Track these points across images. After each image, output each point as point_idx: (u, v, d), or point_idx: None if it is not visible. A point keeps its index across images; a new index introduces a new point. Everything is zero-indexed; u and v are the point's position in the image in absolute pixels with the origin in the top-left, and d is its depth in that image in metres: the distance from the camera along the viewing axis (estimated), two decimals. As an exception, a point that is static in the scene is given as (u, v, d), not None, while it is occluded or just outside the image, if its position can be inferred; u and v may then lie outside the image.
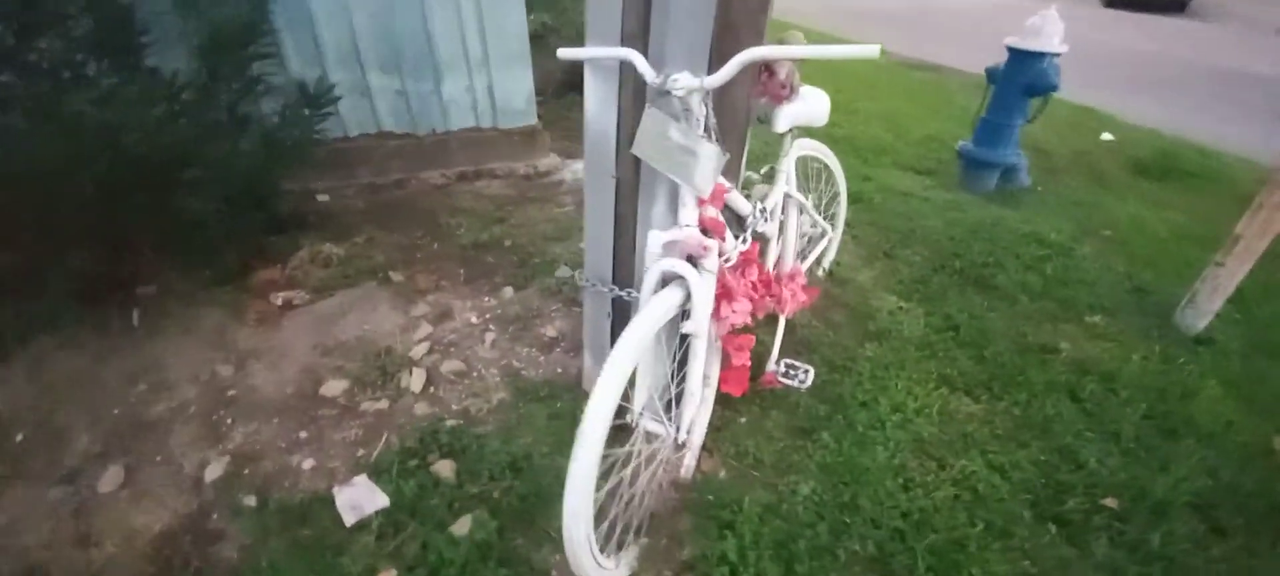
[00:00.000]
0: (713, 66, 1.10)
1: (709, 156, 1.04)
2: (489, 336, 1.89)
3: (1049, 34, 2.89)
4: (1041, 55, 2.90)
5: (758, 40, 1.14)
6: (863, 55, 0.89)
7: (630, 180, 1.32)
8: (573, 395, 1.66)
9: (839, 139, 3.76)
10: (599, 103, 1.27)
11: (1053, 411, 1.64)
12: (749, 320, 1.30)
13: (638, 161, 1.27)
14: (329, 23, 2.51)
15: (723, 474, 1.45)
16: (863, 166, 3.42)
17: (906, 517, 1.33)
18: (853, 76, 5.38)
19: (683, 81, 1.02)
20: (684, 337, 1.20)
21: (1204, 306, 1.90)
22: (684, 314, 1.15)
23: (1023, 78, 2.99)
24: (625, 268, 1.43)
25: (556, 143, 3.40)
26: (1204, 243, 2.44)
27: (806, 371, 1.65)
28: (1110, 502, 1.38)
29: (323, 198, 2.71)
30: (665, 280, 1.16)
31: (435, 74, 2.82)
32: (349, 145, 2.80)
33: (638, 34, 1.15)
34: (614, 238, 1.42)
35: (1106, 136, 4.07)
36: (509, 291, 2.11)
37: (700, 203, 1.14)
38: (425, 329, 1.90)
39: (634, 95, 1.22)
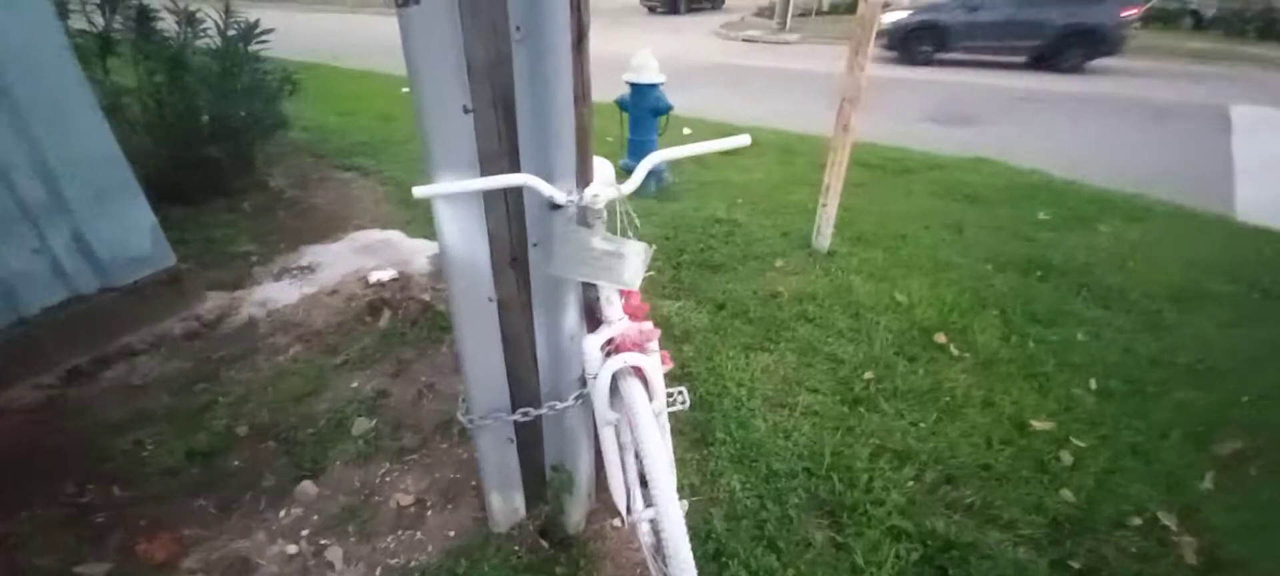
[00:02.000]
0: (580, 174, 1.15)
1: (637, 254, 1.10)
2: (334, 555, 1.44)
3: (651, 68, 3.72)
4: (653, 85, 3.73)
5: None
6: (736, 145, 1.13)
7: (516, 298, 1.24)
8: (493, 543, 1.45)
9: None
10: (461, 233, 1.14)
11: (803, 331, 2.28)
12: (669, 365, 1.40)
13: (519, 280, 1.21)
14: None
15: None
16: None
17: (810, 456, 1.70)
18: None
19: (604, 194, 1.05)
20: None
21: (826, 232, 2.89)
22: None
23: (646, 104, 3.78)
24: (526, 388, 1.33)
25: (211, 273, 2.62)
26: (810, 189, 3.64)
27: (681, 392, 1.84)
28: (869, 375, 2.06)
29: None
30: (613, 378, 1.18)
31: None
32: None
33: (500, 155, 1.09)
34: (505, 361, 1.30)
35: (686, 131, 5.44)
36: (308, 487, 1.62)
37: (623, 293, 1.18)
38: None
39: (507, 216, 1.15)
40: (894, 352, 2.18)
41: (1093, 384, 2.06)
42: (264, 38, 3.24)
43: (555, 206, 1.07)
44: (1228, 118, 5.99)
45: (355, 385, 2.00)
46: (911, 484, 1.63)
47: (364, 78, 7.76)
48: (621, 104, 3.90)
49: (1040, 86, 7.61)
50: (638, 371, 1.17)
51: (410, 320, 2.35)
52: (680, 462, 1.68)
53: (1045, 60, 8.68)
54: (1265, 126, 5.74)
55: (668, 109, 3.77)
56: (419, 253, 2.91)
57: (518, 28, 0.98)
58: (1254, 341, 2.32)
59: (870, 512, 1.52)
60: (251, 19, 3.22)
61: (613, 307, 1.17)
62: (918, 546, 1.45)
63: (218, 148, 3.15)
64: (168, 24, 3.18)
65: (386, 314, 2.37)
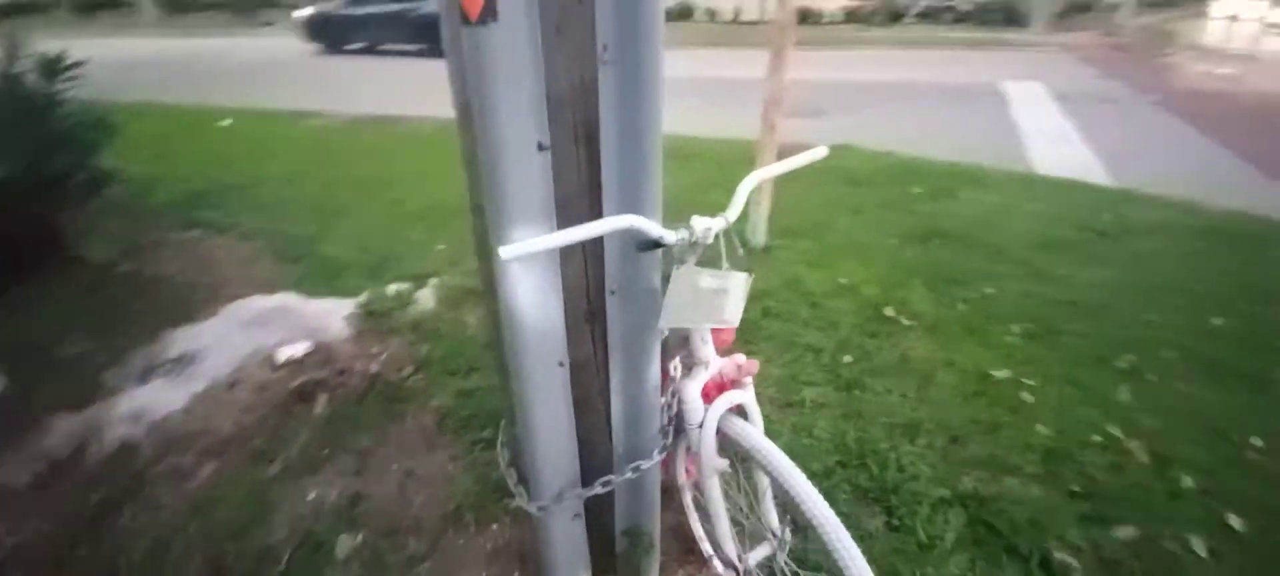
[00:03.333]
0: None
1: (739, 285, 1.02)
2: None
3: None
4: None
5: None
6: (815, 158, 1.11)
7: (591, 358, 1.08)
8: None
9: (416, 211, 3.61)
10: (535, 292, 0.97)
11: (775, 327, 2.34)
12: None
13: (595, 335, 1.07)
14: None
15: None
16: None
17: (837, 449, 1.73)
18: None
19: (714, 226, 0.95)
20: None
21: (761, 229, 3.00)
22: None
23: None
24: (598, 453, 1.17)
25: (42, 390, 1.97)
26: (724, 191, 3.72)
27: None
28: (848, 358, 2.17)
29: None
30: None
31: None
32: None
33: (580, 195, 0.94)
34: (577, 429, 1.13)
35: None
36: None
37: (713, 332, 1.09)
38: None
39: (584, 265, 1.00)
40: (858, 333, 2.33)
41: (1016, 330, 2.38)
42: (70, 73, 2.51)
43: (654, 246, 0.96)
44: (1003, 93, 7.37)
45: (312, 496, 1.63)
46: (929, 452, 1.74)
47: (195, 116, 6.48)
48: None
49: (842, 77, 8.60)
50: (739, 409, 1.09)
51: (354, 399, 1.99)
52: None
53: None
54: (1031, 97, 7.15)
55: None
56: (330, 315, 2.48)
57: (605, 46, 0.85)
58: (1107, 275, 2.86)
59: (912, 489, 1.59)
60: (52, 51, 2.48)
61: (707, 347, 1.08)
62: (960, 509, 1.55)
63: (8, 220, 2.38)
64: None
65: (322, 398, 1.97)
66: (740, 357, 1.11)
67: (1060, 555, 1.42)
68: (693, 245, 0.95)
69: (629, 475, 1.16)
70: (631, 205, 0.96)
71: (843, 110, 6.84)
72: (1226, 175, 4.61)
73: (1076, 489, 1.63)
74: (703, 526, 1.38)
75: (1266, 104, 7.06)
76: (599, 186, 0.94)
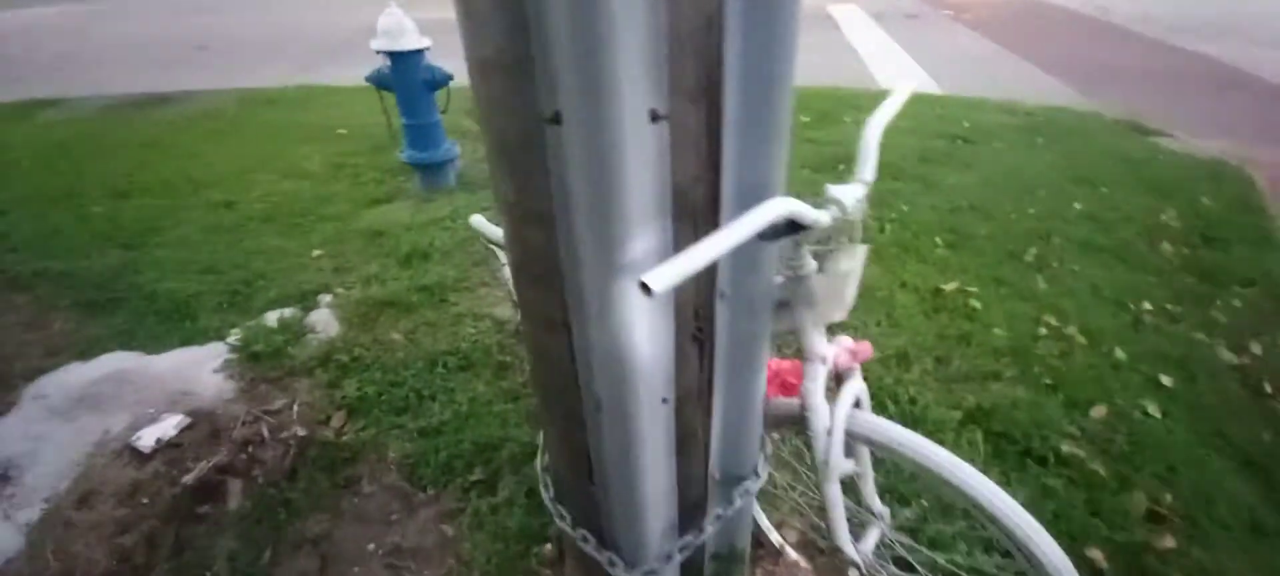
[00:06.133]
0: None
1: (859, 258, 0.86)
2: None
3: (408, 31, 2.99)
4: (417, 52, 3.01)
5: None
6: (909, 93, 0.98)
7: (695, 385, 0.87)
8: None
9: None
10: (652, 325, 0.73)
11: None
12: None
13: (702, 357, 0.85)
14: None
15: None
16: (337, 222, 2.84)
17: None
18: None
19: (859, 194, 0.78)
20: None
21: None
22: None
23: (414, 78, 3.05)
24: (694, 486, 0.98)
25: None
26: None
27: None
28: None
29: None
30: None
31: None
32: None
33: (700, 180, 0.71)
34: (678, 470, 0.92)
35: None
36: None
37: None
38: None
39: (696, 276, 0.77)
40: (815, 271, 2.34)
41: (939, 242, 2.57)
42: None
43: (790, 233, 0.76)
44: (833, 17, 7.89)
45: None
46: (926, 377, 1.81)
47: None
48: (378, 81, 3.07)
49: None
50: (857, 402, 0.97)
51: (281, 476, 1.53)
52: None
53: None
54: (856, 20, 7.75)
55: (446, 80, 3.11)
56: (193, 371, 1.89)
57: (731, -30, 0.61)
58: (981, 176, 3.19)
59: (933, 418, 1.63)
60: None
61: (819, 336, 0.92)
62: (976, 427, 1.63)
63: None
64: None
65: (234, 487, 1.49)
66: (847, 340, 0.97)
67: (1066, 448, 1.55)
68: (847, 224, 0.77)
69: (738, 503, 1.00)
70: (758, 183, 0.75)
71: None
72: (1016, 72, 5.43)
73: (1048, 382, 1.79)
74: (819, 528, 1.28)
75: (1028, 7, 8.44)
76: (718, 164, 0.71)
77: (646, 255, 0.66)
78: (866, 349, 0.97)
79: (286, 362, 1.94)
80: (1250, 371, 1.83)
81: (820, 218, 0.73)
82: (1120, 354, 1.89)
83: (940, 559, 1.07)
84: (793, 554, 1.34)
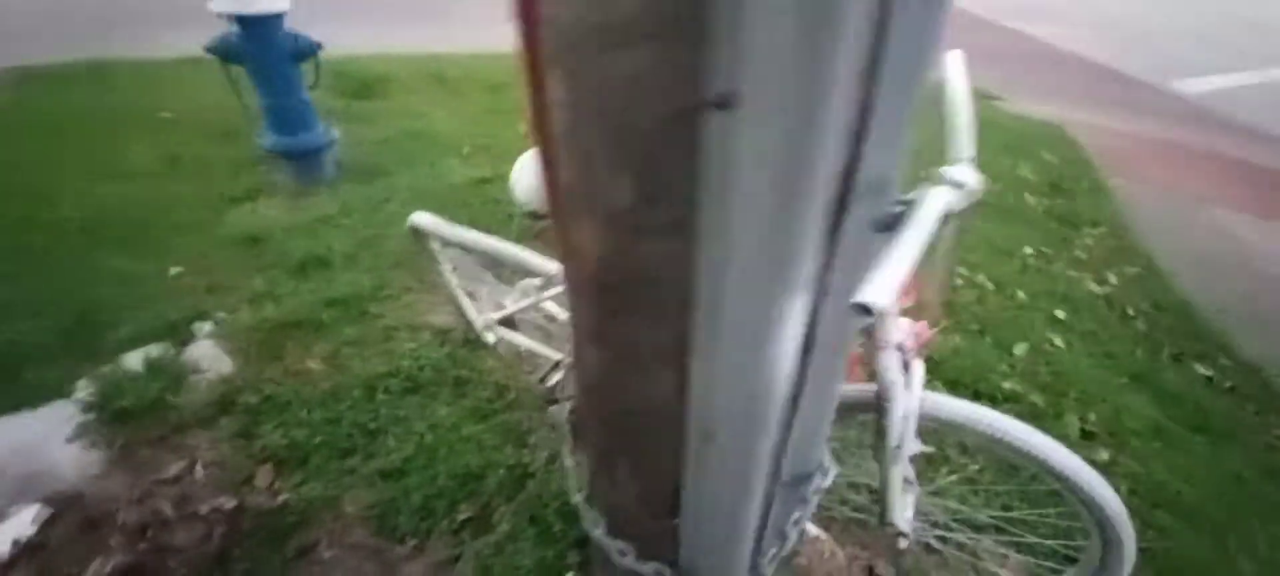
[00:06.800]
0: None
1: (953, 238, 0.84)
2: None
3: (256, -9, 2.47)
4: (275, 16, 2.51)
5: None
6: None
7: (793, 393, 0.80)
8: None
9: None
10: (794, 344, 0.65)
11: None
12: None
13: (805, 368, 0.79)
14: None
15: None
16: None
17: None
18: None
19: (969, 170, 0.75)
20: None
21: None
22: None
23: (273, 49, 2.54)
24: (771, 496, 0.92)
25: None
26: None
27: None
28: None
29: None
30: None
31: None
32: None
33: (841, 175, 0.63)
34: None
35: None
36: None
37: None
38: None
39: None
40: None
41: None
42: None
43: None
44: None
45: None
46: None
47: None
48: (223, 52, 2.50)
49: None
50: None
51: (212, 560, 1.22)
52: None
53: None
54: None
55: (313, 50, 2.63)
56: (40, 444, 1.44)
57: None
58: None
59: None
60: None
61: (896, 322, 0.90)
62: (935, 379, 1.76)
63: None
64: None
65: (146, 588, 1.16)
66: (906, 323, 0.97)
67: (1007, 385, 1.75)
68: (976, 205, 0.74)
69: (813, 502, 0.97)
70: (883, 176, 0.68)
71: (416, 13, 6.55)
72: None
73: (976, 327, 2.00)
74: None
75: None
76: (860, 156, 0.64)
77: (809, 269, 0.58)
78: (929, 332, 0.97)
79: (171, 416, 1.55)
80: (1114, 299, 2.19)
81: (969, 200, 0.70)
82: (1021, 295, 2.17)
83: (983, 515, 1.14)
84: (812, 528, 1.35)
